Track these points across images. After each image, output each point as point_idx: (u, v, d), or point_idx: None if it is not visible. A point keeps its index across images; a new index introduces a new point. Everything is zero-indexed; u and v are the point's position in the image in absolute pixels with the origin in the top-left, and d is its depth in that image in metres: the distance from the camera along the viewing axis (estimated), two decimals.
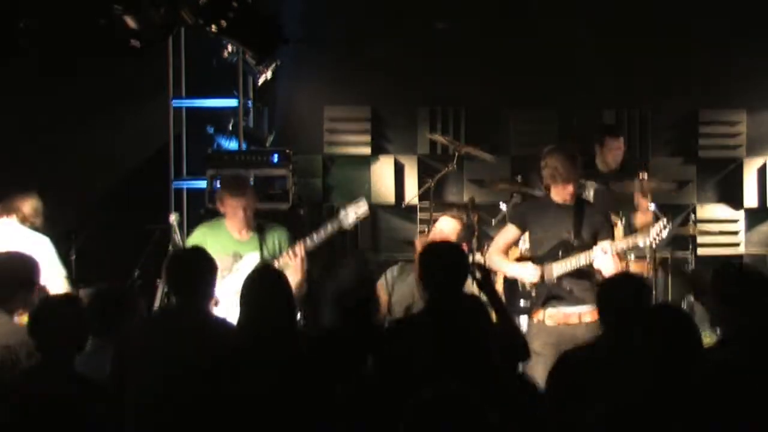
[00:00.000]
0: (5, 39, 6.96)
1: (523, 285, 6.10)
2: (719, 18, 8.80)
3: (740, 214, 9.13)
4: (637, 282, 4.48)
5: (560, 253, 5.95)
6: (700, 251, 8.58)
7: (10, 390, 4.07)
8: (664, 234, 5.99)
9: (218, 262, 6.01)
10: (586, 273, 5.94)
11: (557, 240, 5.98)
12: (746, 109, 9.08)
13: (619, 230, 7.56)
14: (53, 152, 8.13)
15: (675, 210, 8.80)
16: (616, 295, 4.34)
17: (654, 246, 6.37)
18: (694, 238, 8.29)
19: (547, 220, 6.07)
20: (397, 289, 6.12)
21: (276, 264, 6.02)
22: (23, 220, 6.32)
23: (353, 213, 6.15)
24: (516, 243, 6.53)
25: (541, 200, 6.42)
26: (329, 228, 6.13)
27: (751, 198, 9.09)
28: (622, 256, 6.33)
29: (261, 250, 6.13)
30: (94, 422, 3.06)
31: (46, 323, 4.15)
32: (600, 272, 5.84)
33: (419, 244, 6.14)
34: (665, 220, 6.01)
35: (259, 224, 6.26)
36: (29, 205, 6.38)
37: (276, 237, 6.23)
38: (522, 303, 6.19)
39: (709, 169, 9.15)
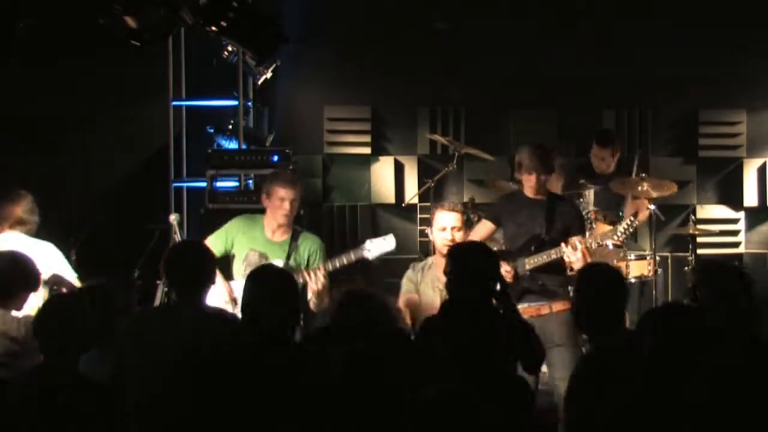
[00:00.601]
0: (5, 39, 6.96)
1: None
2: (719, 18, 8.80)
3: (740, 214, 9.13)
4: (611, 273, 4.55)
5: (533, 247, 6.12)
6: (700, 251, 8.57)
7: (12, 389, 4.08)
8: (631, 230, 6.30)
9: (245, 257, 6.06)
10: (557, 267, 6.11)
11: (530, 235, 6.15)
12: (746, 109, 9.08)
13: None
14: (53, 152, 8.12)
15: (675, 210, 8.81)
16: (592, 285, 4.38)
17: (622, 241, 6.62)
18: (694, 238, 8.29)
19: (521, 215, 6.24)
20: (422, 292, 6.07)
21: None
22: (20, 225, 6.03)
23: (378, 249, 6.08)
24: (490, 238, 6.66)
25: (515, 196, 6.53)
26: (352, 256, 6.07)
27: (751, 198, 9.09)
28: (592, 250, 6.40)
29: (288, 257, 6.06)
30: (97, 422, 3.07)
31: (50, 323, 4.14)
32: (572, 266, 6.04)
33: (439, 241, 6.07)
34: (632, 218, 6.28)
35: (295, 230, 6.19)
36: (21, 207, 6.06)
37: (309, 247, 6.13)
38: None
39: (709, 169, 9.16)
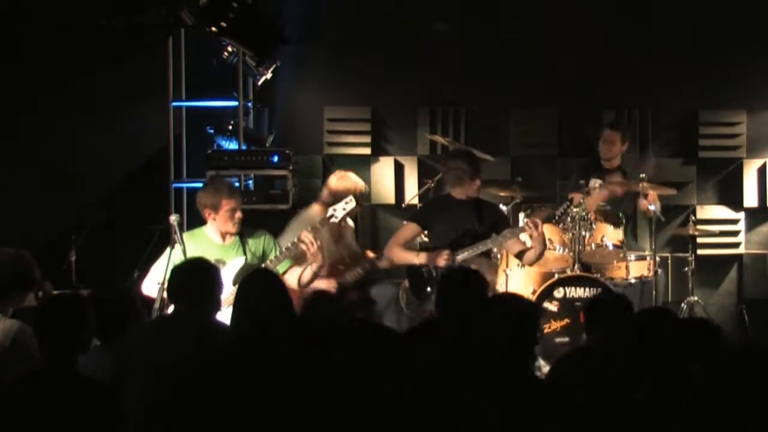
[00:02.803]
0: (4, 39, 6.96)
1: (429, 272, 6.74)
2: (719, 18, 8.80)
3: (740, 215, 9.12)
4: (623, 303, 4.72)
5: (467, 240, 6.67)
6: (700, 252, 8.58)
7: (11, 390, 4.07)
8: (558, 213, 6.87)
9: None
10: (488, 257, 6.87)
11: (462, 229, 6.72)
12: (746, 109, 9.07)
13: (619, 230, 7.57)
14: (53, 152, 8.13)
15: (675, 210, 8.80)
16: (604, 315, 4.56)
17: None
18: (694, 238, 8.29)
19: (450, 214, 6.79)
20: None
21: (272, 263, 6.06)
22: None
23: (342, 209, 6.24)
24: (414, 239, 7.12)
25: (442, 199, 7.06)
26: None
27: (751, 198, 9.08)
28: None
29: (245, 254, 6.11)
30: (96, 422, 3.06)
31: (50, 323, 4.14)
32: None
33: None
34: (568, 203, 6.90)
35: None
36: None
37: (260, 240, 6.20)
38: (428, 289, 6.71)
39: (709, 170, 9.14)
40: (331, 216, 6.28)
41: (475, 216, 6.74)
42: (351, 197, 6.42)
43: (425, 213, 7.06)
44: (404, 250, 6.89)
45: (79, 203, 8.11)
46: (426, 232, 7.10)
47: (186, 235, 6.13)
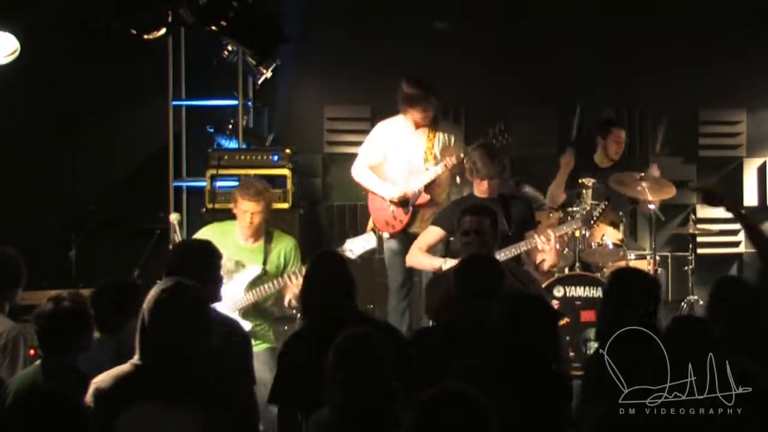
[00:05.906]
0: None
1: None
2: (719, 18, 8.80)
3: None
4: (650, 279, 4.71)
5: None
6: (700, 251, 8.57)
7: (10, 388, 4.07)
8: (596, 214, 6.76)
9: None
10: (519, 258, 6.40)
11: None
12: (746, 108, 9.07)
13: (619, 230, 7.58)
14: (53, 152, 8.13)
15: (675, 209, 8.80)
16: (633, 289, 4.43)
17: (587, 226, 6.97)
18: (694, 237, 8.28)
19: None
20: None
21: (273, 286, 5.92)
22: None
23: (360, 248, 5.95)
24: (438, 244, 6.54)
25: (467, 199, 6.61)
26: None
27: (751, 198, 9.08)
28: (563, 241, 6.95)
29: (265, 262, 5.98)
30: (96, 422, 3.06)
31: (49, 322, 4.14)
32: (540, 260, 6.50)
33: None
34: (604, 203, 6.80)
35: (269, 233, 6.08)
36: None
37: (283, 250, 6.03)
38: None
39: (709, 169, 9.14)
40: (348, 251, 5.93)
41: (503, 216, 6.23)
42: (372, 234, 6.15)
43: (448, 215, 6.44)
44: (428, 256, 6.36)
45: (79, 203, 8.11)
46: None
47: (215, 225, 6.06)
